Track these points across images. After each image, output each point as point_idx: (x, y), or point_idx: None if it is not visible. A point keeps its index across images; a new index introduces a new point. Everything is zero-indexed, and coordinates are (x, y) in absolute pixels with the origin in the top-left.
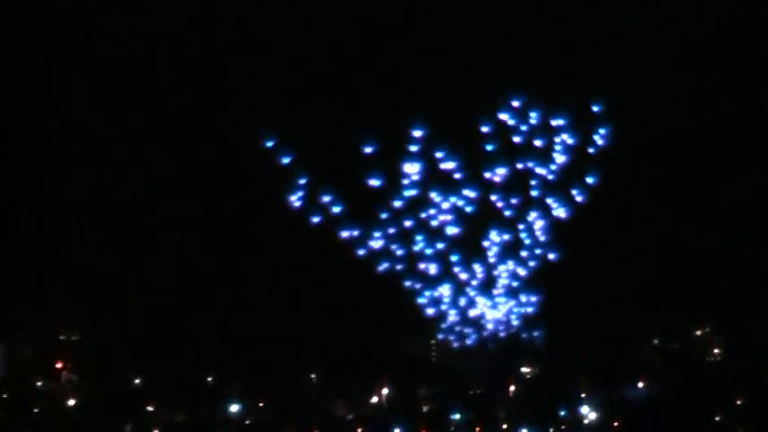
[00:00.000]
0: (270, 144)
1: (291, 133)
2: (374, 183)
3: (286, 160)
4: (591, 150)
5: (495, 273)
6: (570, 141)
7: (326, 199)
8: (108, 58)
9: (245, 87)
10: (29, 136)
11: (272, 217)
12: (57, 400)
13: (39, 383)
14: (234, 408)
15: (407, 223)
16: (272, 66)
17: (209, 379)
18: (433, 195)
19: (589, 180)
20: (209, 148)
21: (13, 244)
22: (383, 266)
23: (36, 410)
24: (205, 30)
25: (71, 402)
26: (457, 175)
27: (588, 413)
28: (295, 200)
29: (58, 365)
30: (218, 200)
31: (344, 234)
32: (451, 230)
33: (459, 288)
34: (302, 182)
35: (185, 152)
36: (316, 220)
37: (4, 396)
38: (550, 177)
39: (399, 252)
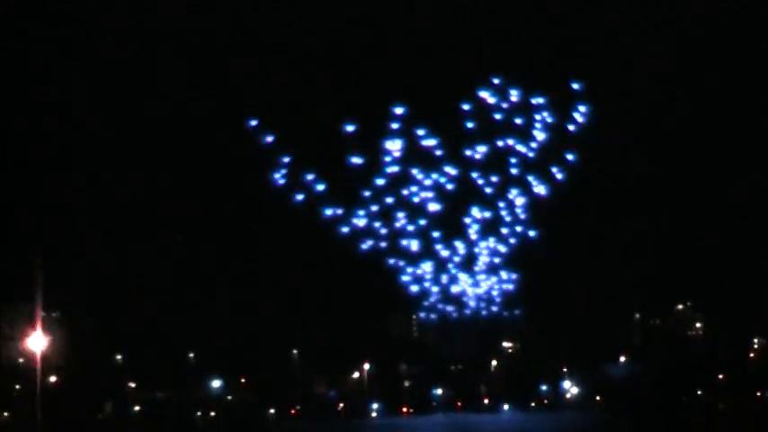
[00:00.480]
0: (253, 123)
1: (274, 113)
2: (356, 161)
3: (269, 139)
4: (571, 128)
5: (476, 250)
6: (550, 120)
7: (310, 177)
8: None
9: (230, 72)
10: (33, 134)
11: (255, 196)
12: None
13: (20, 360)
14: (215, 384)
15: (389, 200)
16: (254, 50)
17: (191, 355)
18: (415, 172)
19: (569, 157)
20: (197, 129)
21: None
22: (365, 244)
23: (17, 387)
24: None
25: (52, 379)
26: (438, 153)
27: (570, 388)
28: (279, 178)
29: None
30: (205, 178)
31: (328, 212)
32: (433, 207)
33: (441, 265)
34: (285, 160)
35: (173, 133)
36: (299, 197)
37: None
38: (531, 155)
39: (382, 230)
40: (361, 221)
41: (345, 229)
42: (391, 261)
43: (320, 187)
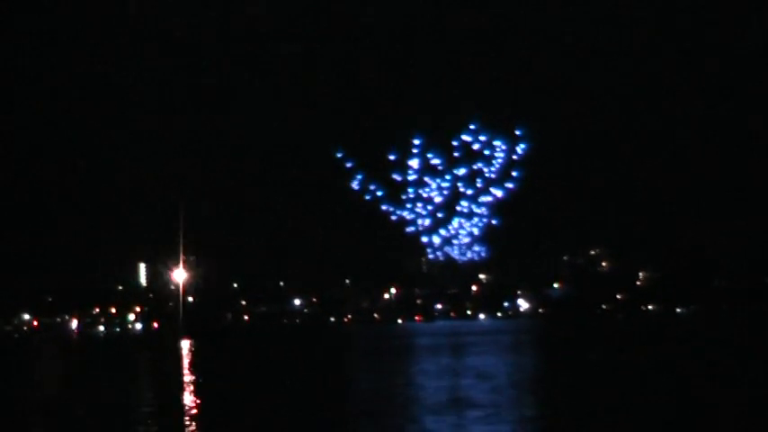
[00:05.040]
0: (339, 155)
1: (351, 147)
2: (397, 177)
3: (349, 164)
4: (515, 157)
5: (461, 231)
6: (502, 153)
7: (372, 187)
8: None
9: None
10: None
11: (339, 197)
12: (179, 297)
13: (172, 287)
14: (297, 302)
15: (411, 195)
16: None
17: (281, 283)
18: (427, 179)
19: (514, 174)
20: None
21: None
22: (397, 219)
23: (170, 304)
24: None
25: (190, 299)
26: (440, 168)
27: (523, 304)
28: (354, 185)
29: (181, 276)
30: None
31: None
32: (437, 199)
33: (442, 235)
34: (359, 177)
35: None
36: (368, 197)
37: (150, 296)
38: (492, 175)
39: (411, 213)
40: (403, 213)
41: (394, 217)
42: (413, 229)
43: (379, 193)
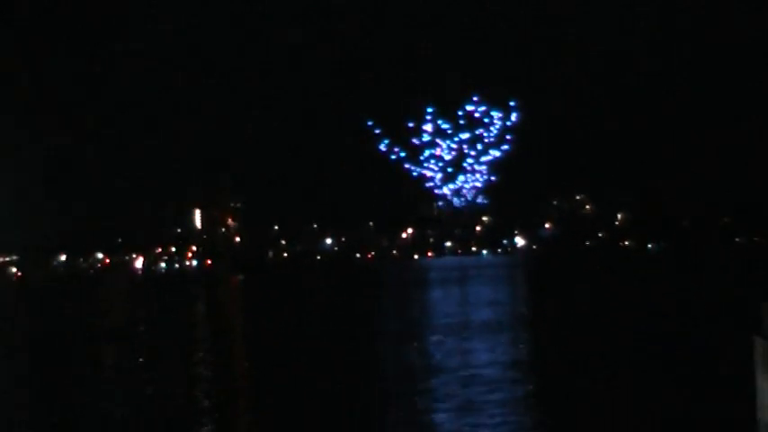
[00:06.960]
0: (370, 124)
1: (379, 119)
2: (415, 141)
3: (377, 131)
4: (508, 123)
5: (466, 185)
6: (498, 120)
7: (396, 149)
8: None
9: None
10: None
11: (370, 157)
12: (228, 238)
13: (222, 230)
14: (328, 241)
15: (427, 153)
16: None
17: (315, 226)
18: (438, 140)
19: (509, 137)
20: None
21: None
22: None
23: (222, 244)
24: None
25: (237, 239)
26: (449, 131)
27: (519, 242)
28: (381, 146)
29: (229, 220)
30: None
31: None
32: (447, 156)
33: (451, 187)
34: (386, 141)
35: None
36: (393, 157)
37: (204, 237)
38: (492, 138)
39: (426, 169)
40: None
41: (415, 173)
42: (430, 183)
43: (402, 154)
